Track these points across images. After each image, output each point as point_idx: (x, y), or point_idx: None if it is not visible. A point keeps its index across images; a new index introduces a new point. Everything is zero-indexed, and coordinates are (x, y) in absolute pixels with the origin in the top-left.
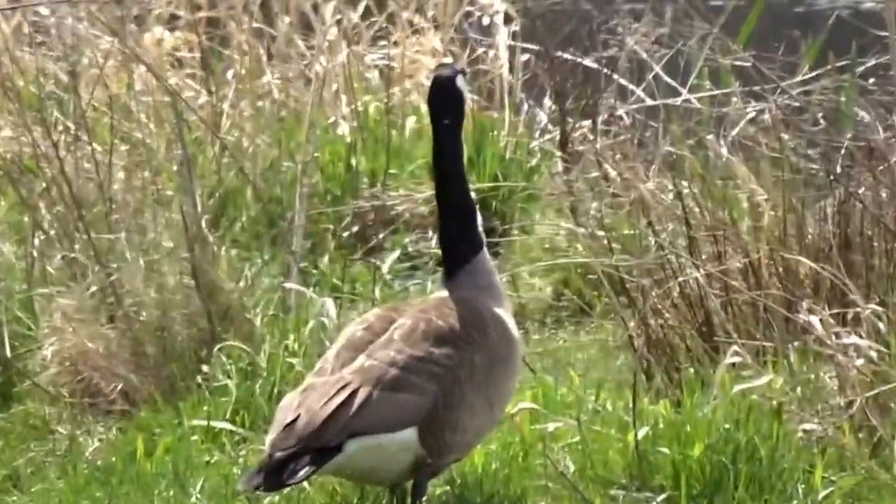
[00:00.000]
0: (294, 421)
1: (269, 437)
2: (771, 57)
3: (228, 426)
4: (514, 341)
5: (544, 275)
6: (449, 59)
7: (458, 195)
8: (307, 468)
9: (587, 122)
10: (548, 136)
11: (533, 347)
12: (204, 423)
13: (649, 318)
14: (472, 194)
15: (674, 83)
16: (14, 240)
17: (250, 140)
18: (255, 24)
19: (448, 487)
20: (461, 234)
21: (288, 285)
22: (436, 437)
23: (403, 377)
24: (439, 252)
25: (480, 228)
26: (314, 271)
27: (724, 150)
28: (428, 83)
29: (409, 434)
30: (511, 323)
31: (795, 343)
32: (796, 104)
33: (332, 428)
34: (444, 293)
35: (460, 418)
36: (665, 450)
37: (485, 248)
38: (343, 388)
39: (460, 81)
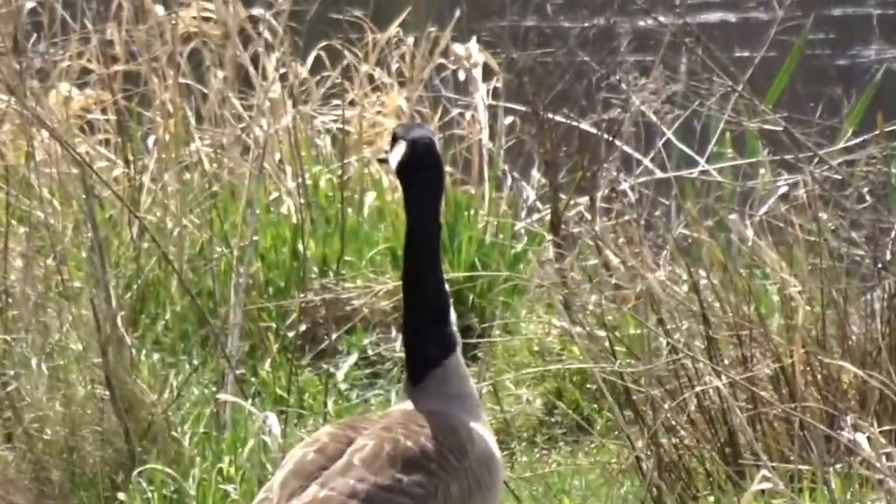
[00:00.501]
0: None
1: None
2: (807, 120)
3: None
4: (496, 464)
5: (533, 384)
6: (417, 119)
7: (430, 285)
8: None
9: (584, 199)
10: (536, 216)
11: (520, 471)
12: None
13: (661, 436)
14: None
15: (689, 151)
16: None
17: (175, 220)
18: (181, 80)
19: None
20: (431, 332)
21: (222, 397)
22: None
23: None
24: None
25: (454, 327)
26: (253, 380)
27: (749, 233)
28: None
29: None
30: (492, 441)
31: (838, 466)
32: (837, 177)
33: None
34: (409, 405)
35: None
36: None
37: (458, 350)
38: None
39: (439, 147)
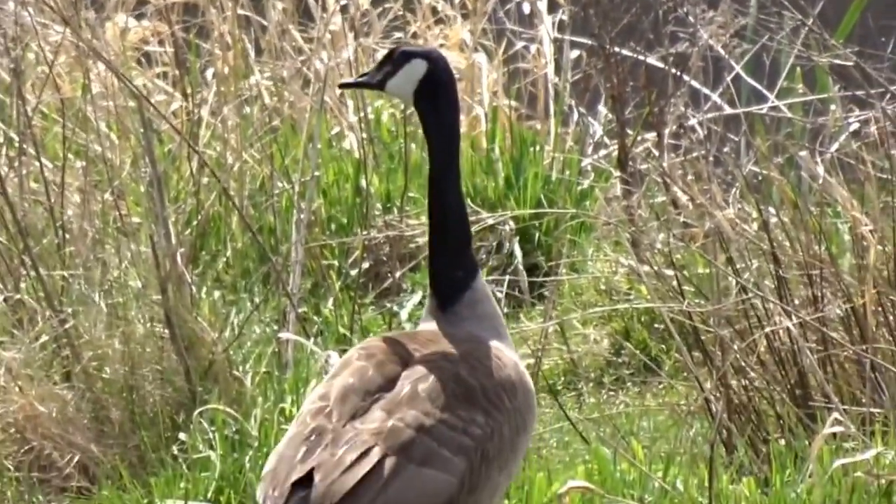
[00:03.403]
0: (304, 483)
1: (267, 493)
2: (879, 55)
3: None
4: (534, 401)
5: (600, 324)
6: (483, 57)
7: (457, 209)
8: None
9: (651, 135)
10: (603, 152)
11: (587, 412)
12: (181, 503)
13: (730, 377)
14: (511, 223)
15: (759, 87)
16: None
17: (235, 155)
18: (241, 12)
19: None
20: (459, 254)
21: (284, 335)
22: None
23: (434, 449)
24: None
25: None
26: (316, 318)
27: (820, 170)
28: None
29: None
30: (522, 366)
31: None
32: None
33: None
34: (454, 329)
35: (480, 501)
36: None
37: (480, 271)
38: (365, 453)
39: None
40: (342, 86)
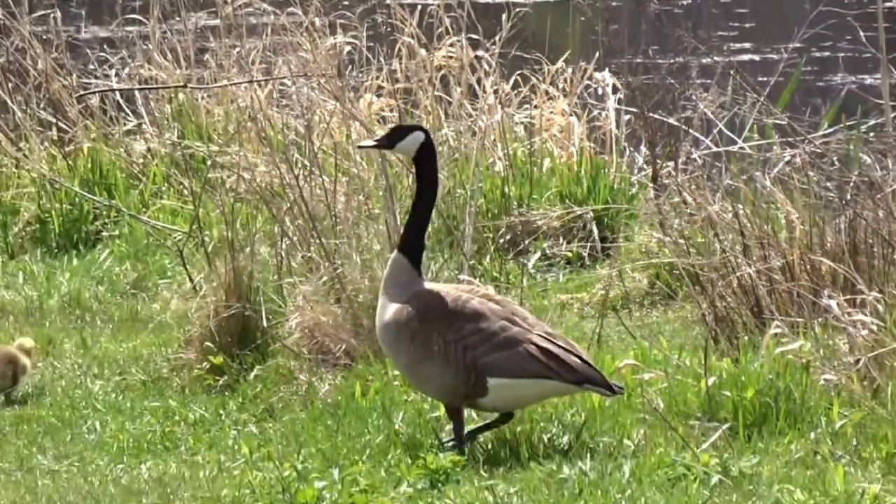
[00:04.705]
0: (584, 360)
1: (583, 366)
2: (800, 118)
3: None
4: None
5: (642, 270)
6: (573, 122)
7: (428, 221)
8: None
9: (671, 163)
10: (643, 173)
11: (635, 322)
12: None
13: (716, 301)
14: (591, 213)
15: (732, 136)
16: (268, 244)
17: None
18: (436, 93)
19: (575, 418)
20: (422, 246)
21: (462, 277)
22: None
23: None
24: (569, 253)
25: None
26: (479, 267)
27: (767, 183)
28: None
29: None
30: None
31: (819, 319)
32: (818, 151)
33: None
34: (427, 283)
35: None
36: (727, 393)
37: None
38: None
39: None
40: (360, 147)
